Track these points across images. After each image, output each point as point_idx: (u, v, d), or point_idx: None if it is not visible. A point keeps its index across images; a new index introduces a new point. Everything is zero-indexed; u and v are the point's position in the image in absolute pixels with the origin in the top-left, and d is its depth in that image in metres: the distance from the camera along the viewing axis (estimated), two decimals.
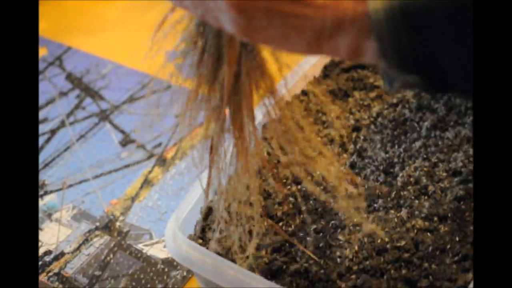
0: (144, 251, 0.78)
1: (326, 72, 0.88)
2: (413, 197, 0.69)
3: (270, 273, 0.65)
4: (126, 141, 0.93)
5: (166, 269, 0.76)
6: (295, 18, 0.46)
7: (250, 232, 0.63)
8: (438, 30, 0.45)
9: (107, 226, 0.81)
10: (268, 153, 0.73)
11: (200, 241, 0.68)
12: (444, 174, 0.71)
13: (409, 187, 0.70)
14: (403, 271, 0.63)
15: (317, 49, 0.48)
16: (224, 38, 0.52)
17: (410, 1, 0.45)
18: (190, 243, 0.65)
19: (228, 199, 0.62)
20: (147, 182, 0.87)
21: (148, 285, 0.74)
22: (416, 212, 0.67)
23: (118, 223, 0.81)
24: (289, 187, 0.73)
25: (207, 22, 0.51)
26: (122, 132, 0.95)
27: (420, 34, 0.45)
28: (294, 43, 0.48)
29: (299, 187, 0.73)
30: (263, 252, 0.66)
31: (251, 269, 0.64)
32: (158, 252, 0.78)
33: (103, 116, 0.97)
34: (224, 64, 0.53)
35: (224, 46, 0.53)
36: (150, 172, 0.88)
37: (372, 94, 0.83)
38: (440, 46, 0.45)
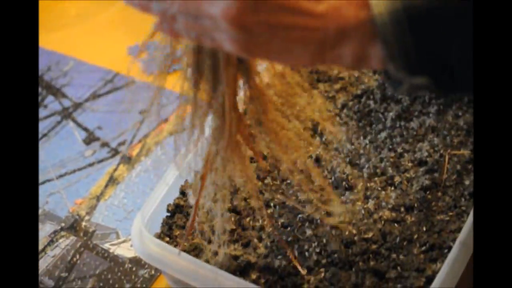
0: (111, 250, 0.77)
1: None
2: (379, 188, 0.69)
3: (238, 270, 0.64)
4: (89, 139, 0.91)
5: (133, 268, 0.75)
6: (297, 30, 0.45)
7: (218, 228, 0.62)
8: (445, 28, 0.44)
9: (73, 226, 0.80)
10: None
11: (167, 239, 0.67)
12: (410, 164, 0.71)
13: (376, 178, 0.70)
14: (372, 263, 0.63)
15: (320, 60, 0.47)
16: (221, 58, 0.51)
17: (414, 1, 0.44)
18: (157, 241, 0.64)
19: (204, 195, 0.61)
20: (112, 181, 0.85)
21: (116, 285, 0.73)
22: (383, 203, 0.68)
23: (83, 223, 0.80)
24: (255, 181, 0.72)
25: (201, 44, 0.50)
26: (86, 130, 0.93)
27: (426, 34, 0.44)
28: (296, 56, 0.47)
29: (265, 181, 0.72)
30: (231, 248, 0.66)
31: (220, 266, 0.63)
32: (125, 251, 0.77)
33: (66, 114, 0.95)
34: (223, 85, 0.52)
35: (221, 66, 0.51)
36: (115, 170, 0.87)
37: (337, 86, 0.82)
38: (448, 44, 0.45)
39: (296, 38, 0.46)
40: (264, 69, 0.55)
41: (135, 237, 0.65)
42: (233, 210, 0.70)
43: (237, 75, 0.52)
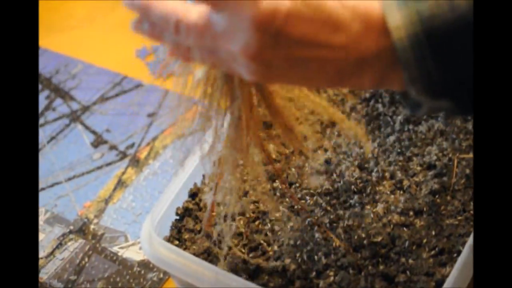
0: (119, 253, 0.77)
1: None
2: (388, 192, 0.69)
3: (247, 273, 0.64)
4: (98, 142, 0.92)
5: (142, 272, 0.75)
6: (316, 62, 0.45)
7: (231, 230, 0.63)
8: (464, 49, 0.44)
9: (81, 230, 0.80)
10: None
11: (177, 242, 0.67)
12: (419, 168, 0.71)
13: (384, 182, 0.70)
14: (381, 267, 0.63)
15: (339, 85, 0.47)
16: (236, 78, 0.51)
17: (432, 21, 0.43)
18: (167, 245, 0.64)
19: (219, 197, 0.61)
20: (120, 184, 0.86)
21: None
22: (392, 207, 0.67)
23: (92, 226, 0.80)
24: (263, 185, 0.73)
25: (216, 67, 0.49)
26: (94, 133, 0.93)
27: (447, 56, 0.44)
28: (315, 82, 0.47)
29: (274, 185, 0.72)
30: (241, 252, 0.66)
31: (229, 269, 0.63)
32: (133, 254, 0.77)
33: (74, 117, 0.95)
34: (238, 99, 0.52)
35: (236, 83, 0.51)
36: (123, 173, 0.87)
37: (345, 90, 0.82)
38: (468, 65, 0.44)
39: (314, 68, 0.45)
40: None
41: (144, 240, 0.65)
42: (241, 213, 0.70)
43: (252, 91, 0.52)
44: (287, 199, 0.70)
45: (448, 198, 0.68)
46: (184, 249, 0.66)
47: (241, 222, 0.69)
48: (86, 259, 0.77)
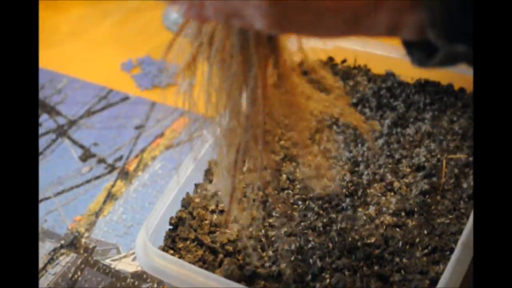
0: (112, 266, 0.77)
1: None
2: (379, 194, 0.70)
3: (244, 279, 0.64)
4: (86, 156, 0.91)
5: (136, 283, 0.75)
6: (332, 0, 0.44)
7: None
8: None
9: (73, 243, 0.80)
10: None
11: (171, 251, 0.67)
12: (408, 169, 0.72)
13: (375, 184, 0.71)
14: (375, 267, 0.63)
15: (353, 29, 0.46)
16: (251, 39, 0.51)
17: None
18: (162, 254, 0.64)
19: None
20: (110, 196, 0.85)
21: None
22: (384, 209, 0.68)
23: (83, 240, 0.80)
24: (256, 192, 0.73)
25: (230, 25, 0.49)
26: (82, 147, 0.93)
27: None
28: (329, 26, 0.45)
29: (266, 192, 0.73)
30: (236, 258, 0.66)
31: (225, 276, 0.64)
32: (126, 266, 0.77)
33: (61, 131, 0.95)
34: (254, 67, 0.52)
35: (252, 47, 0.51)
36: (112, 186, 0.87)
37: (332, 95, 0.83)
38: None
39: (329, 7, 0.44)
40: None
41: (139, 250, 0.65)
42: (235, 220, 0.70)
43: (268, 56, 0.52)
44: (279, 205, 0.71)
45: (438, 198, 0.69)
46: (179, 258, 0.66)
47: (235, 229, 0.69)
48: (79, 273, 0.76)
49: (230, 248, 0.67)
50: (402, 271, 0.63)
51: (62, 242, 0.80)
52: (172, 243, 0.69)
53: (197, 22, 0.52)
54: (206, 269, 0.65)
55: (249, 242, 0.67)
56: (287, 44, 0.54)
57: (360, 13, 0.45)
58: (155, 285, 0.74)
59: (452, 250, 0.63)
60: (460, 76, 0.82)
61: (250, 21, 0.46)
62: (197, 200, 0.72)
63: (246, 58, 0.52)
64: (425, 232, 0.65)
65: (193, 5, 0.47)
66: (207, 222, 0.70)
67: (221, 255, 0.67)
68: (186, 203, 0.72)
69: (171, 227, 0.70)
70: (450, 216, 0.66)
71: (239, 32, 0.51)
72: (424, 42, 0.45)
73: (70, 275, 0.76)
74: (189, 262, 0.65)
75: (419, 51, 0.47)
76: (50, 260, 0.78)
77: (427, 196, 0.69)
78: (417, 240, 0.65)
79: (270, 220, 0.69)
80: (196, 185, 0.74)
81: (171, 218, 0.71)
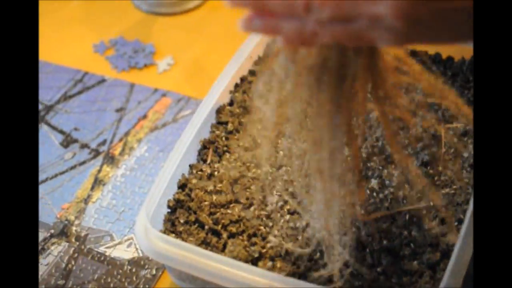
0: (107, 253, 0.74)
1: (269, 50, 0.87)
2: (380, 167, 0.69)
3: (250, 260, 0.63)
4: (67, 142, 0.88)
5: (134, 270, 0.72)
6: (458, 12, 0.43)
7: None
8: None
9: (63, 232, 0.77)
10: None
11: (173, 235, 0.65)
12: (406, 141, 0.71)
13: (375, 158, 0.70)
14: (384, 242, 0.63)
15: (470, 36, 0.45)
16: (350, 52, 0.49)
17: None
18: (165, 237, 0.62)
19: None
20: (97, 182, 0.83)
21: None
22: (387, 182, 0.67)
23: (74, 228, 0.77)
24: (253, 170, 0.71)
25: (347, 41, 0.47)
26: (62, 132, 0.89)
27: None
28: (459, 33, 0.45)
29: (264, 169, 0.71)
30: (240, 239, 0.65)
31: (231, 258, 0.62)
32: (122, 253, 0.74)
33: (39, 118, 0.91)
34: (351, 79, 0.50)
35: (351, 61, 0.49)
36: (99, 171, 0.84)
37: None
38: None
39: (458, 19, 0.44)
40: None
41: (140, 235, 0.62)
42: (236, 200, 0.68)
43: (368, 66, 0.50)
44: (279, 183, 0.69)
45: (440, 168, 0.68)
46: (182, 240, 0.64)
47: (236, 209, 0.67)
48: (73, 262, 0.73)
49: (233, 229, 0.66)
50: (412, 245, 0.62)
51: (52, 231, 0.77)
52: (172, 226, 0.67)
53: (304, 47, 0.49)
54: (211, 251, 0.63)
55: (251, 222, 0.65)
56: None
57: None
58: (154, 271, 0.72)
59: (460, 221, 0.62)
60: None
61: (372, 41, 0.45)
62: (194, 181, 0.70)
63: (343, 72, 0.50)
64: (431, 203, 0.65)
65: (301, 33, 0.45)
66: (206, 203, 0.68)
67: (224, 237, 0.65)
68: (183, 184, 0.70)
69: (169, 210, 0.68)
70: (454, 187, 0.66)
71: (337, 46, 0.49)
72: None
73: (63, 265, 0.73)
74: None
75: None
76: (41, 251, 0.75)
77: (428, 167, 0.68)
78: (424, 212, 0.64)
79: (273, 199, 0.68)
80: (191, 166, 0.72)
81: (168, 201, 0.69)
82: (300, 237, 0.64)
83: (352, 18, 0.44)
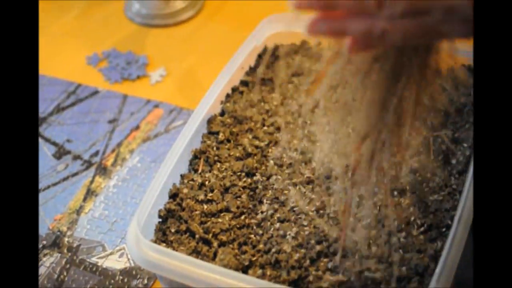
0: (99, 264, 0.75)
1: (261, 61, 0.88)
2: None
3: (241, 268, 0.63)
4: (60, 153, 0.89)
5: (125, 280, 0.73)
6: None
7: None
8: None
9: (55, 243, 0.77)
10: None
11: (164, 244, 0.66)
12: (395, 148, 0.72)
13: (364, 165, 0.71)
14: (373, 248, 0.63)
15: None
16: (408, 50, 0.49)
17: None
18: (156, 247, 0.62)
19: None
20: (90, 193, 0.83)
21: None
22: (376, 189, 0.68)
23: (66, 239, 0.77)
24: (244, 179, 0.72)
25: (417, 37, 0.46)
26: (55, 144, 0.90)
27: None
28: None
29: (254, 178, 0.72)
30: (231, 248, 0.65)
31: (223, 266, 0.62)
32: (114, 263, 0.75)
33: None
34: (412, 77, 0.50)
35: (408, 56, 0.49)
36: (91, 182, 0.84)
37: (311, 79, 0.83)
38: None
39: None
40: None
41: (131, 244, 0.63)
42: (226, 209, 0.69)
43: (423, 63, 0.50)
44: (269, 191, 0.70)
45: (429, 175, 0.69)
46: (173, 250, 0.64)
47: (226, 218, 0.68)
48: (65, 273, 0.74)
49: (223, 237, 0.66)
50: (400, 251, 0.62)
51: (44, 242, 0.77)
52: (163, 236, 0.67)
53: (369, 50, 0.49)
54: (201, 260, 0.63)
55: (241, 230, 0.66)
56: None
57: None
58: (145, 281, 0.72)
59: (448, 227, 0.63)
60: None
61: (445, 34, 0.44)
62: (185, 191, 0.70)
63: (399, 69, 0.49)
64: (420, 210, 0.65)
65: (371, 33, 0.44)
66: (197, 212, 0.68)
67: (215, 245, 0.66)
68: (174, 194, 0.70)
69: (160, 219, 0.69)
70: (443, 193, 0.67)
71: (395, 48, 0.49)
72: None
73: (55, 276, 0.74)
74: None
75: None
76: None
77: (417, 174, 0.69)
78: (412, 218, 0.65)
79: (262, 207, 0.68)
80: (182, 176, 0.73)
81: (159, 211, 0.69)
82: (288, 245, 0.64)
83: (427, 10, 0.43)
